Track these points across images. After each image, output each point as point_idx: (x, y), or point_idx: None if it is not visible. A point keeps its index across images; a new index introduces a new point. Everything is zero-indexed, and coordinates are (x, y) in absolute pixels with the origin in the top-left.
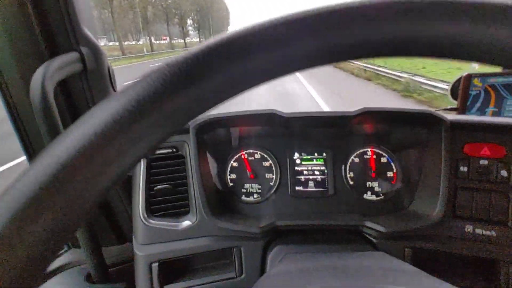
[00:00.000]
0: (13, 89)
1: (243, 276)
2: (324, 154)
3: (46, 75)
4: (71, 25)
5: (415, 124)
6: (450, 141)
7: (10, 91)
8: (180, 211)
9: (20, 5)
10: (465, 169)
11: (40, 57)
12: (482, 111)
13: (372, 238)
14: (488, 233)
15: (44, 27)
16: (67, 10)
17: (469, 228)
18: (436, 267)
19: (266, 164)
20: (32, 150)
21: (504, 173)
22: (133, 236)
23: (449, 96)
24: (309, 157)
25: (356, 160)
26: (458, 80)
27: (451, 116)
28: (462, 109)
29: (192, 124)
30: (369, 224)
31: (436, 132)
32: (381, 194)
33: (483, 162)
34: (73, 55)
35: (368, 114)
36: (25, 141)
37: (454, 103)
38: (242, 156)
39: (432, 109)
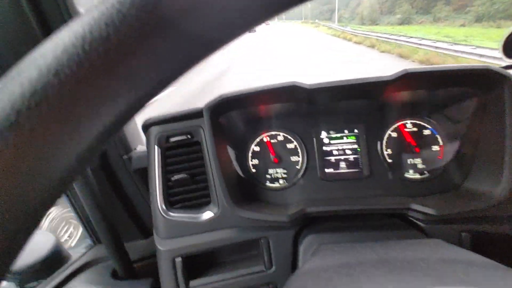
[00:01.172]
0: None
1: (273, 268)
2: (356, 131)
3: None
4: (64, 3)
5: (468, 85)
6: None
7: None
8: (201, 202)
9: None
10: None
11: (34, 40)
12: None
13: (419, 223)
14: None
15: (35, 7)
16: None
17: None
18: (500, 254)
19: (290, 146)
20: None
21: None
22: (153, 230)
23: (501, 53)
24: (338, 135)
25: (394, 134)
26: None
27: None
28: None
29: (205, 106)
30: (415, 206)
31: (497, 92)
32: (426, 172)
33: None
34: None
35: (409, 78)
36: None
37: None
38: (264, 139)
39: (491, 65)
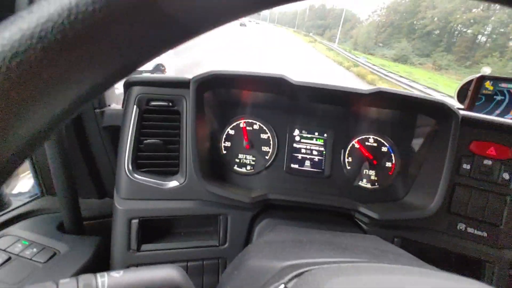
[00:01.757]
0: None
1: (226, 245)
2: (325, 135)
3: None
4: None
5: (425, 113)
6: (458, 136)
7: None
8: (169, 170)
9: None
10: (468, 166)
11: None
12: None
13: (362, 224)
14: (479, 233)
15: None
16: None
17: (461, 226)
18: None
19: (264, 136)
20: None
21: (506, 175)
22: (114, 189)
23: (455, 97)
24: (309, 135)
25: (357, 145)
26: (467, 83)
27: (463, 112)
28: (469, 107)
29: (194, 78)
30: (362, 209)
31: (446, 124)
32: (376, 183)
33: (487, 162)
34: None
35: (381, 95)
36: None
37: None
38: (241, 124)
39: (445, 101)
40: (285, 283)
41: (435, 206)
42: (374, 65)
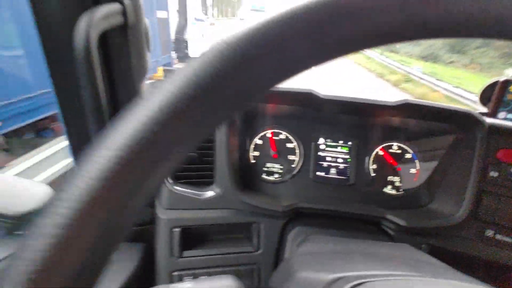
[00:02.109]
0: (55, 35)
1: (260, 251)
2: (350, 143)
3: (91, 23)
4: None
5: (450, 122)
6: (485, 145)
7: (52, 37)
8: (205, 181)
9: None
10: (496, 174)
11: (83, 3)
12: None
13: (390, 231)
14: (508, 239)
15: None
16: None
17: (489, 232)
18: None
19: (290, 145)
20: (67, 101)
21: None
22: (156, 200)
23: (478, 101)
24: (334, 144)
25: (381, 153)
26: (491, 85)
27: (489, 119)
28: (493, 114)
29: None
30: (389, 216)
31: (472, 133)
32: (401, 190)
33: None
34: (116, 7)
35: (408, 107)
36: (60, 90)
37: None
38: (268, 134)
39: (472, 110)
40: None
41: (463, 214)
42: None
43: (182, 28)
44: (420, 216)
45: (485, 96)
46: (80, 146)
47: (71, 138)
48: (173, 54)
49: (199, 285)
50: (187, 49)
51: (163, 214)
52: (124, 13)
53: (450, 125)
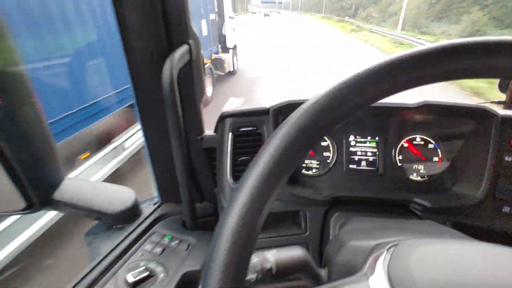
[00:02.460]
0: (144, 76)
1: (307, 233)
2: (377, 138)
3: (173, 65)
4: (185, 21)
5: (467, 117)
6: (499, 134)
7: (142, 75)
8: None
9: (152, 8)
10: (510, 158)
11: (163, 49)
12: None
13: (418, 212)
14: None
15: (166, 23)
16: (183, 7)
17: (506, 208)
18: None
19: (324, 144)
20: (150, 121)
21: None
22: (220, 195)
23: (496, 89)
24: (363, 140)
25: (406, 145)
26: None
27: (502, 111)
28: (509, 103)
29: (272, 107)
30: (417, 199)
31: (487, 125)
32: (426, 176)
33: None
34: (185, 47)
35: (427, 107)
36: (145, 117)
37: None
38: None
39: (485, 104)
40: (387, 250)
41: (482, 194)
42: None
43: (221, 25)
44: (443, 198)
45: (503, 85)
46: (160, 156)
47: (152, 151)
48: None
49: (280, 253)
50: (225, 42)
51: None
52: (190, 51)
53: (467, 119)
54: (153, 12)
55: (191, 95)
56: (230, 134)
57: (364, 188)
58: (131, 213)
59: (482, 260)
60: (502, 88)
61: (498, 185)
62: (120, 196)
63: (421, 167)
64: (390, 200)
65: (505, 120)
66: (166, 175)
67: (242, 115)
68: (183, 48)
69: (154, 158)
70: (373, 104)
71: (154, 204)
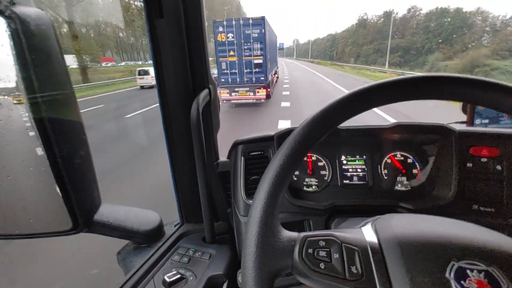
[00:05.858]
0: (175, 112)
1: None
2: (364, 157)
3: (198, 104)
4: (206, 68)
5: (432, 133)
6: (459, 145)
7: (172, 113)
8: None
9: (181, 60)
10: (471, 165)
11: (188, 92)
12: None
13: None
14: (489, 209)
15: (192, 72)
16: (205, 56)
17: (475, 206)
18: None
19: (321, 164)
20: (175, 155)
21: (498, 167)
22: (236, 211)
23: (461, 110)
24: (352, 159)
25: (389, 161)
26: None
27: (459, 127)
28: (470, 122)
29: (276, 134)
30: (402, 204)
31: (449, 139)
32: (408, 186)
33: (483, 159)
34: (206, 91)
35: (399, 127)
36: (172, 147)
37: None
38: (305, 158)
39: (445, 123)
40: (373, 220)
41: (452, 195)
42: None
43: None
44: (424, 201)
45: (464, 107)
46: (183, 181)
47: (177, 176)
48: None
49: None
50: None
51: (242, 220)
52: (209, 93)
53: (432, 135)
54: (182, 64)
55: (209, 127)
56: (242, 158)
57: (357, 198)
58: (157, 232)
59: (447, 223)
60: (464, 110)
61: (466, 187)
62: (147, 218)
63: (403, 178)
64: (380, 207)
65: (462, 134)
66: (187, 198)
67: (252, 141)
68: (205, 91)
69: (179, 183)
70: (356, 127)
71: (175, 225)
